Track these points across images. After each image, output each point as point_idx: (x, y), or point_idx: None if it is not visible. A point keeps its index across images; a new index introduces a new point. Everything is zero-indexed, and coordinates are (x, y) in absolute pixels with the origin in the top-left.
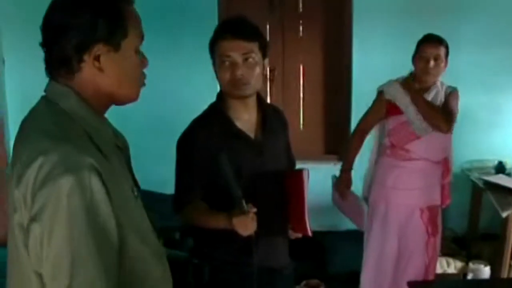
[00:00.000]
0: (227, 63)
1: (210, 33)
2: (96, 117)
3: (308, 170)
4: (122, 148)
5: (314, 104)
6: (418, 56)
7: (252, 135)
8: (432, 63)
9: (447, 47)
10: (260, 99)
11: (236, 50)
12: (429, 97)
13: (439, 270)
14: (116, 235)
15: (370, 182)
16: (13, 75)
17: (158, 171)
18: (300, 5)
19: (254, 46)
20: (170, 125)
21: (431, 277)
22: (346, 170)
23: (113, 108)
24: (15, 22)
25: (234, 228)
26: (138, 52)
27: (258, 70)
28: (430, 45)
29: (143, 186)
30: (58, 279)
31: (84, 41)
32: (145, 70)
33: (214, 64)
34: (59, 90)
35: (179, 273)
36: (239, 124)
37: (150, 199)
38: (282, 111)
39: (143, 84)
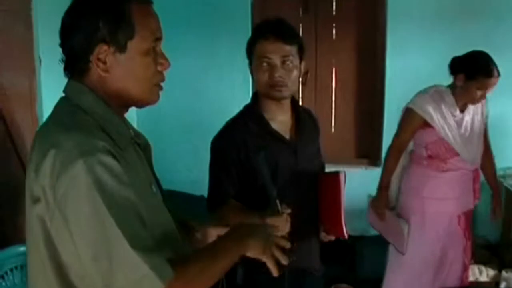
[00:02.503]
0: (265, 64)
1: (243, 34)
2: (112, 114)
3: (344, 173)
4: (142, 146)
5: (346, 107)
6: (476, 86)
7: (287, 136)
8: (486, 95)
9: None
10: (294, 102)
11: (276, 52)
12: (469, 117)
13: (471, 278)
14: (143, 207)
15: (398, 192)
16: (50, 75)
17: (189, 171)
18: (334, 8)
19: (293, 49)
20: (203, 125)
21: (467, 282)
22: (384, 188)
23: (145, 108)
24: (52, 22)
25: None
26: (149, 53)
27: (295, 73)
28: (494, 79)
29: (174, 186)
30: (98, 260)
31: (87, 42)
32: (169, 72)
33: (250, 64)
34: (76, 88)
35: None
36: (274, 125)
37: (180, 200)
38: (315, 115)
39: (161, 88)
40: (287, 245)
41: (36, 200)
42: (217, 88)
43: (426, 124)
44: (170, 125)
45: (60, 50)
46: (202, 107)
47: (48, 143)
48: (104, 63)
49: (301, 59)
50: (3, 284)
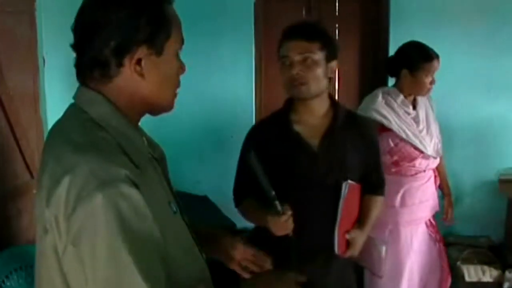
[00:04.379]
0: (286, 63)
1: (246, 35)
2: (129, 127)
3: (347, 183)
4: (158, 159)
5: (350, 107)
6: (423, 74)
7: (314, 140)
8: (434, 80)
9: None
10: (334, 104)
11: (294, 49)
12: (422, 112)
13: (474, 279)
14: (163, 245)
15: None
16: (54, 75)
17: (193, 172)
18: (337, 9)
19: (314, 46)
20: (207, 126)
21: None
22: None
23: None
24: (56, 22)
25: (268, 227)
26: (178, 56)
27: (318, 71)
28: (436, 61)
29: (177, 187)
30: None
31: (125, 43)
32: (182, 76)
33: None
34: (90, 97)
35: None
36: (299, 127)
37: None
38: (364, 119)
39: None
40: None
41: (47, 230)
42: (221, 89)
43: (383, 129)
44: (174, 126)
45: (65, 50)
46: (205, 108)
47: (61, 167)
48: (140, 66)
49: (329, 57)
50: (8, 283)
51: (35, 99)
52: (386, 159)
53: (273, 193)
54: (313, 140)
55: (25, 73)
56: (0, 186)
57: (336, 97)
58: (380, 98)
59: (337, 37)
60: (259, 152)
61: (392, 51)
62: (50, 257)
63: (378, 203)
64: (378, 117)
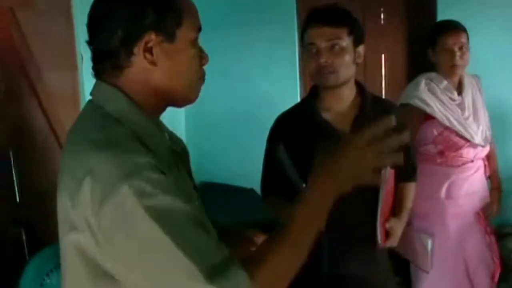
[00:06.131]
0: (312, 50)
1: (288, 25)
2: (148, 120)
3: (388, 170)
4: (180, 153)
5: (397, 94)
6: (444, 48)
7: (343, 128)
8: (458, 54)
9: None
10: (362, 90)
11: (321, 36)
12: (468, 97)
13: None
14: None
15: None
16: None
17: (238, 165)
18: None
19: (341, 32)
20: (250, 119)
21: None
22: None
23: (192, 104)
24: None
25: None
26: (195, 45)
27: (347, 57)
28: (454, 31)
29: (223, 180)
30: None
31: (132, 31)
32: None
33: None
34: (106, 92)
35: None
36: (328, 115)
37: (230, 193)
38: (391, 104)
39: (202, 82)
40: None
41: (73, 228)
42: (264, 80)
43: (427, 117)
44: (218, 119)
45: None
46: (249, 101)
47: (81, 168)
48: (151, 54)
49: (356, 42)
50: (48, 281)
51: (74, 96)
52: (430, 149)
53: (304, 185)
54: (343, 128)
55: (63, 71)
56: (40, 184)
57: (383, 84)
58: (422, 84)
59: (382, 21)
60: (286, 144)
61: None
62: (77, 256)
63: (412, 190)
64: (421, 105)
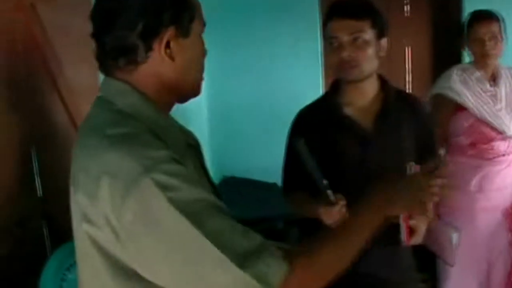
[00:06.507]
0: (334, 44)
1: (310, 19)
2: (160, 115)
3: (412, 165)
4: (194, 145)
5: (422, 88)
6: (473, 37)
7: (366, 123)
8: (489, 43)
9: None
10: (384, 84)
11: (343, 30)
12: (503, 88)
13: None
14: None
15: None
16: None
17: (261, 159)
18: None
19: (364, 25)
20: (274, 114)
21: None
22: None
23: (216, 96)
24: None
25: (321, 218)
26: (202, 39)
27: (370, 51)
28: (483, 20)
29: (246, 174)
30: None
31: (153, 25)
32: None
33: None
34: (117, 88)
35: None
36: (350, 110)
37: (253, 187)
38: (415, 98)
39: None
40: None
41: (89, 221)
42: (287, 76)
43: (458, 108)
44: (241, 114)
45: None
46: (271, 95)
47: (97, 166)
48: (170, 49)
49: (379, 35)
50: (69, 276)
51: (95, 91)
52: (461, 140)
53: (325, 181)
54: (366, 123)
55: (84, 66)
56: (62, 178)
57: (408, 77)
58: (454, 75)
59: (407, 13)
60: (307, 138)
61: None
62: (95, 248)
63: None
64: (452, 95)
